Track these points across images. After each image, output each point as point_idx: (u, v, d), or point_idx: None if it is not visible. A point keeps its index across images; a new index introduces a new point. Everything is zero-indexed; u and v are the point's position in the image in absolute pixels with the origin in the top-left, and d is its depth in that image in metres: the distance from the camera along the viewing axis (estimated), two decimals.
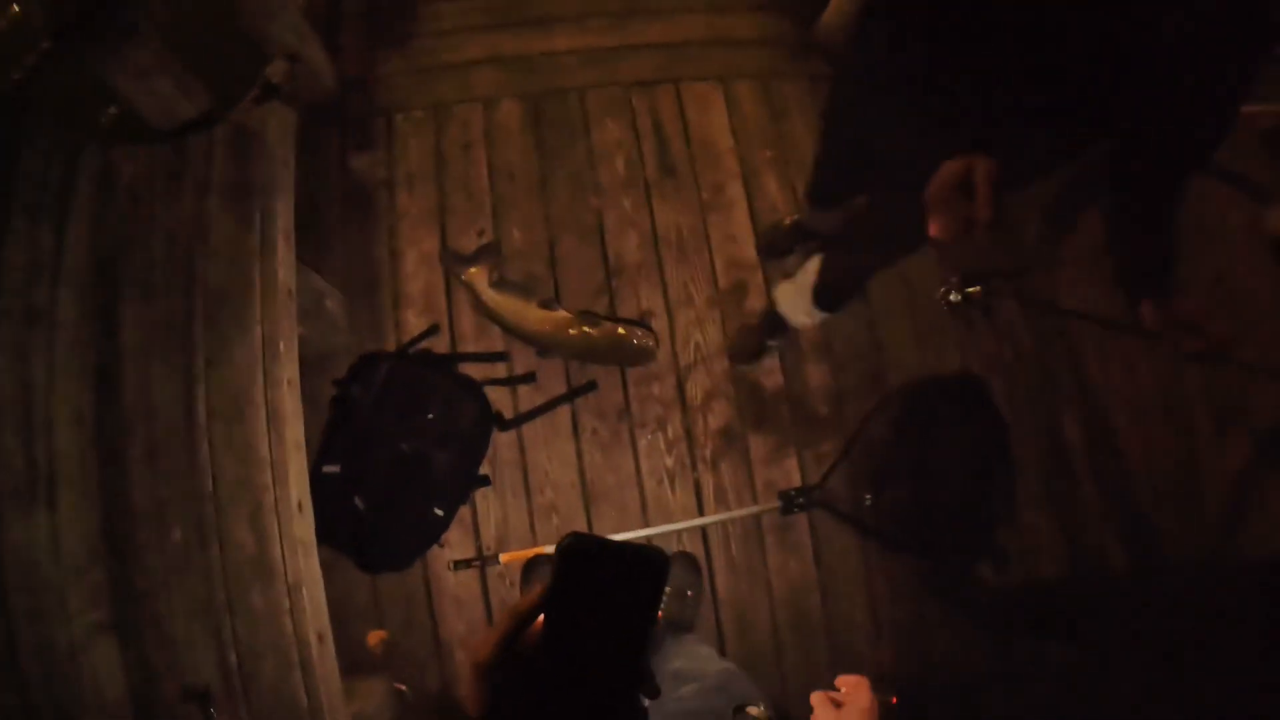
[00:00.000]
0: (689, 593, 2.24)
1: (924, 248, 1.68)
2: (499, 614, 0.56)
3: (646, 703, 0.59)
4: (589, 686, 0.55)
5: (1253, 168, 2.41)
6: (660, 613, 0.56)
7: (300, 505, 1.80)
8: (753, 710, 1.25)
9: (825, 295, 2.02)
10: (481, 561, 2.22)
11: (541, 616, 0.56)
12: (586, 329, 2.26)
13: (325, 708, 1.74)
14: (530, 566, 2.24)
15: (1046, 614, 2.33)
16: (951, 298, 2.09)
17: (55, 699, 1.70)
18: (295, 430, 1.83)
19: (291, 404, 1.84)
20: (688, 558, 2.31)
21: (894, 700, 1.04)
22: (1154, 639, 2.19)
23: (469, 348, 2.35)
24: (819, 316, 2.08)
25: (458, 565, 2.22)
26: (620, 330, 2.27)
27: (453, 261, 2.34)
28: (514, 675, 0.56)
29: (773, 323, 2.25)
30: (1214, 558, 2.33)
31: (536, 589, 0.57)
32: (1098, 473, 2.38)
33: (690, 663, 1.72)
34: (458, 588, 2.26)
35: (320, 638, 1.77)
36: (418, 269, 2.39)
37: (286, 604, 1.75)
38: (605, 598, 0.55)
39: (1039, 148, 1.39)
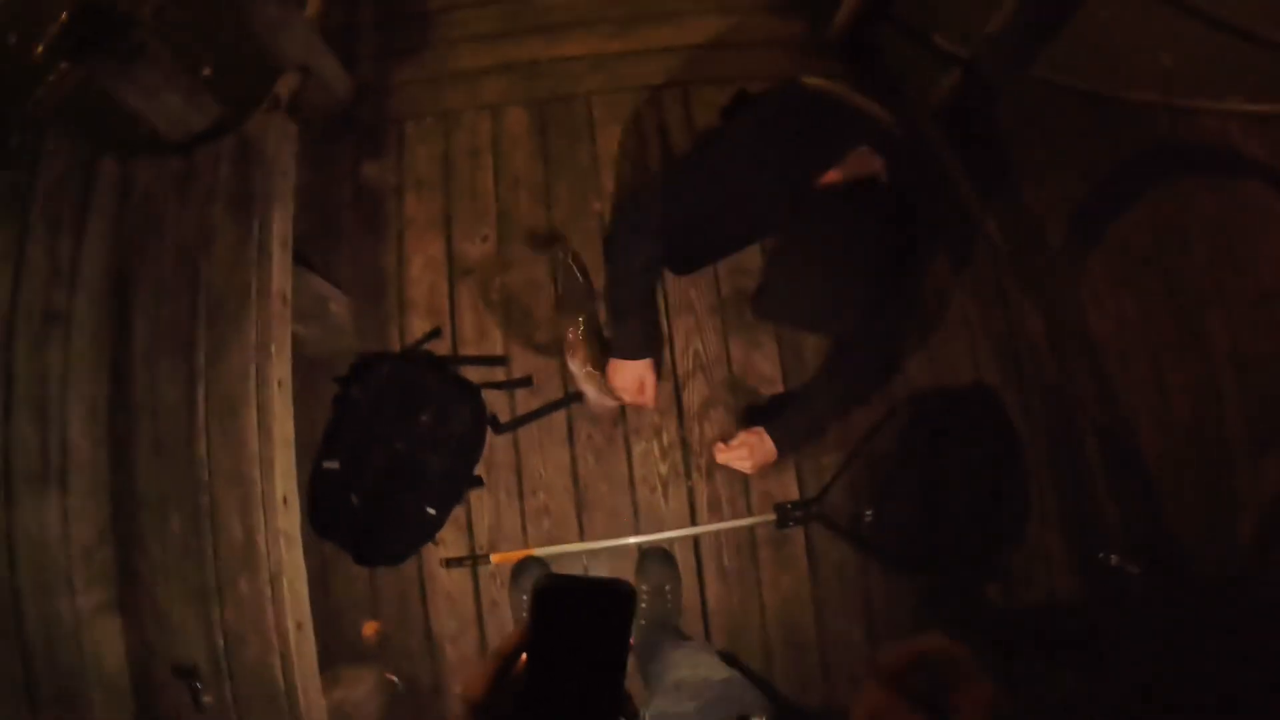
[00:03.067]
0: (667, 587, 2.24)
1: None
2: (486, 655, 0.62)
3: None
4: (573, 713, 0.59)
5: None
6: (632, 639, 0.61)
7: (285, 499, 1.87)
8: None
9: None
10: (473, 560, 2.27)
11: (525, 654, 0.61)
12: None
13: (300, 692, 1.81)
14: (520, 569, 2.27)
15: (1055, 638, 2.22)
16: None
17: (57, 670, 1.82)
18: (284, 428, 1.90)
19: (281, 403, 1.91)
20: (662, 554, 2.30)
21: None
22: (1170, 667, 2.07)
23: (469, 350, 2.38)
24: None
25: (450, 563, 2.27)
26: None
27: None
28: (504, 710, 0.60)
29: None
30: (1244, 586, 2.17)
31: (518, 629, 0.61)
32: (1119, 494, 2.25)
33: (694, 671, 1.71)
34: (450, 585, 2.31)
35: (299, 626, 1.83)
36: (423, 273, 2.43)
37: (269, 592, 1.82)
38: (579, 630, 0.59)
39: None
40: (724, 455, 2.00)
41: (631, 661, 2.17)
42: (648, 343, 1.96)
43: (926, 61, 2.41)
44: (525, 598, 2.24)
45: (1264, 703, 1.93)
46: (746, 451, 1.96)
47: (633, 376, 1.95)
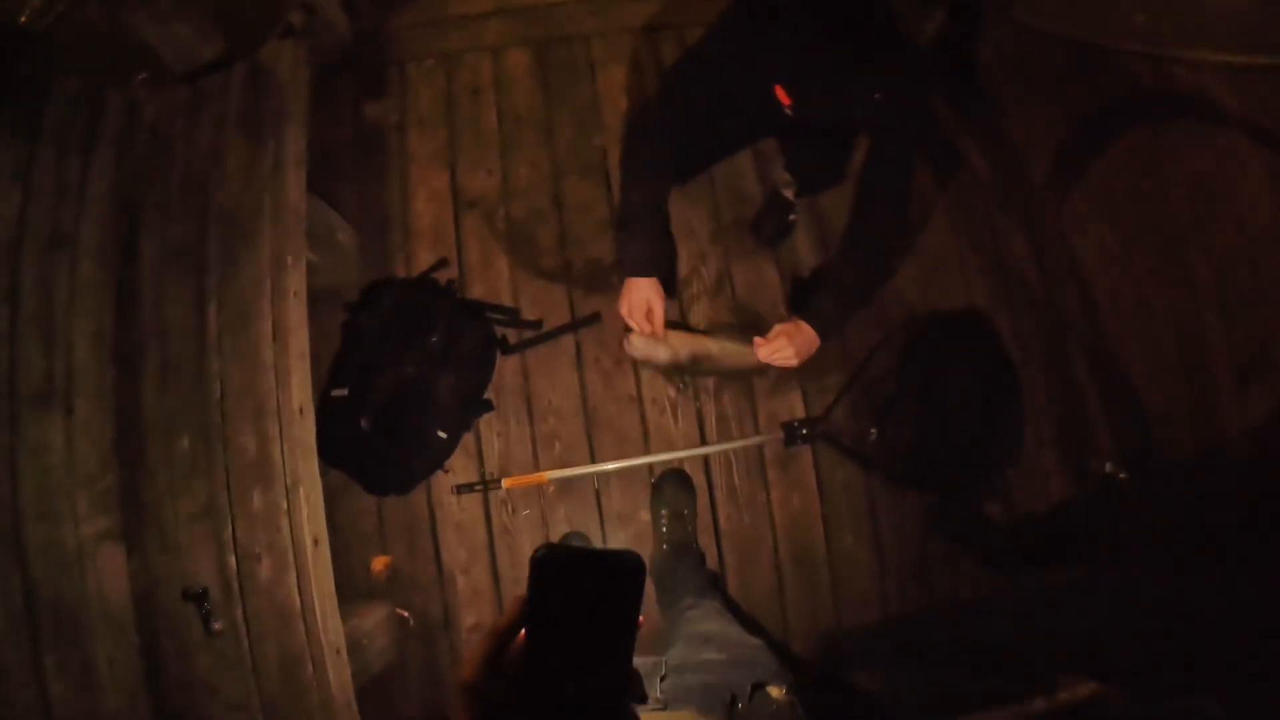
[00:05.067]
0: (685, 511, 2.25)
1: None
2: (480, 635, 0.55)
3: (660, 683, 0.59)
4: (576, 696, 0.56)
5: (1272, 121, 2.37)
6: (641, 617, 0.58)
7: (301, 409, 1.85)
8: (773, 691, 1.22)
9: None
10: (484, 486, 2.26)
11: (523, 631, 0.57)
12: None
13: (317, 612, 1.76)
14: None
15: (1053, 549, 2.27)
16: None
17: (59, 602, 1.76)
18: (300, 339, 1.89)
19: (297, 314, 1.90)
20: (681, 476, 2.31)
21: None
22: (1161, 571, 2.12)
23: (475, 280, 2.41)
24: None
25: (460, 489, 2.26)
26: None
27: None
28: (501, 692, 0.57)
29: (776, 199, 2.33)
30: (1232, 499, 2.24)
31: (515, 602, 0.57)
32: (1110, 412, 2.33)
33: (723, 628, 1.69)
34: (460, 514, 2.30)
35: (316, 541, 1.80)
36: (427, 207, 2.46)
37: (284, 505, 1.80)
38: (583, 606, 0.55)
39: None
40: (765, 350, 1.89)
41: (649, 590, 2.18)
42: (655, 262, 1.93)
43: (914, 1, 2.51)
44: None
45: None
46: (785, 340, 1.86)
47: (640, 298, 1.91)
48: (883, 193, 1.92)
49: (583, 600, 0.55)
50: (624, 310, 1.94)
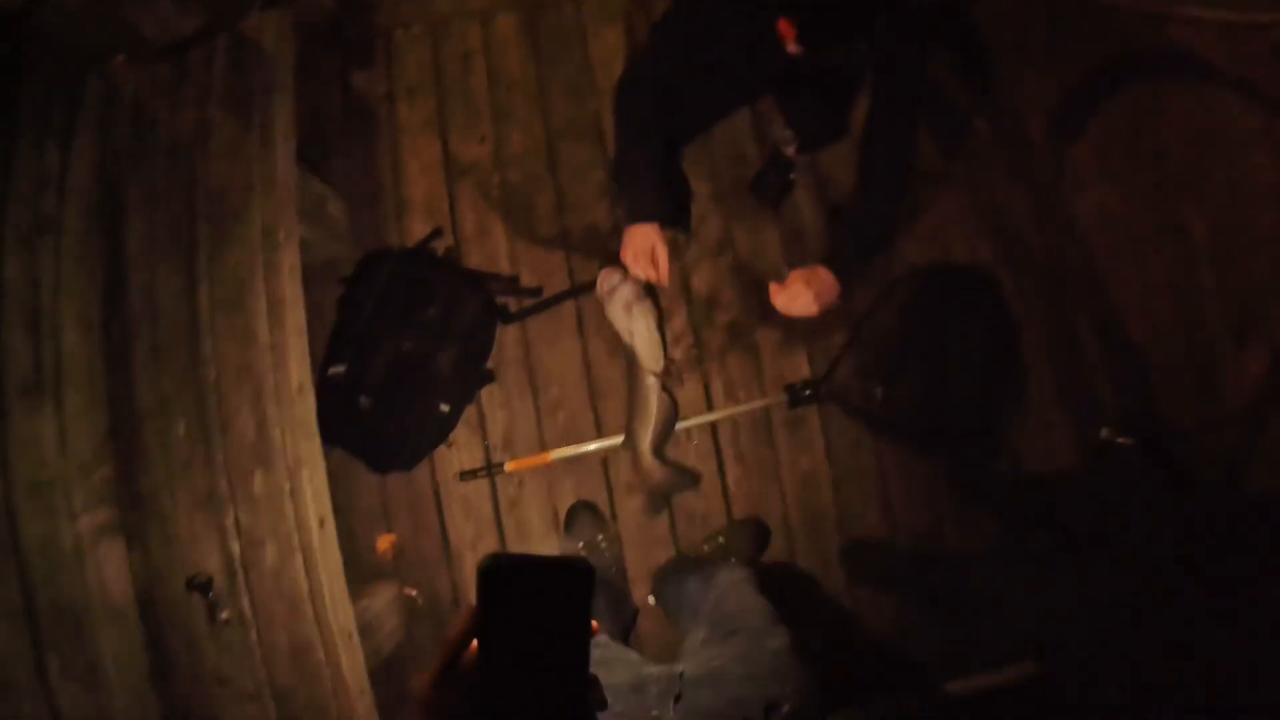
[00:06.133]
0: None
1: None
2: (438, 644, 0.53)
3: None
4: (534, 702, 0.56)
5: (1265, 79, 2.36)
6: (594, 622, 0.58)
7: (300, 388, 1.81)
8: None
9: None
10: (489, 471, 2.23)
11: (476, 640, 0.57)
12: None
13: (326, 596, 1.73)
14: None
15: (1059, 508, 2.26)
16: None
17: (60, 599, 1.71)
18: (296, 315, 1.85)
19: (292, 290, 1.86)
20: (759, 527, 2.27)
21: None
22: (1166, 533, 2.11)
23: (472, 250, 2.37)
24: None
25: (464, 476, 2.24)
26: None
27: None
28: (458, 703, 0.56)
29: (776, 158, 2.28)
30: (1233, 459, 2.24)
31: (466, 613, 0.57)
32: (1112, 371, 2.32)
33: (745, 616, 1.56)
34: (466, 489, 2.26)
35: (321, 523, 1.77)
36: (420, 177, 2.41)
37: (287, 487, 1.76)
38: (534, 613, 0.56)
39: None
40: (782, 298, 1.82)
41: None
42: (656, 206, 1.88)
43: None
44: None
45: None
46: (802, 286, 1.79)
47: (645, 243, 1.85)
48: (891, 126, 1.87)
49: (532, 608, 0.56)
50: (628, 258, 1.88)
